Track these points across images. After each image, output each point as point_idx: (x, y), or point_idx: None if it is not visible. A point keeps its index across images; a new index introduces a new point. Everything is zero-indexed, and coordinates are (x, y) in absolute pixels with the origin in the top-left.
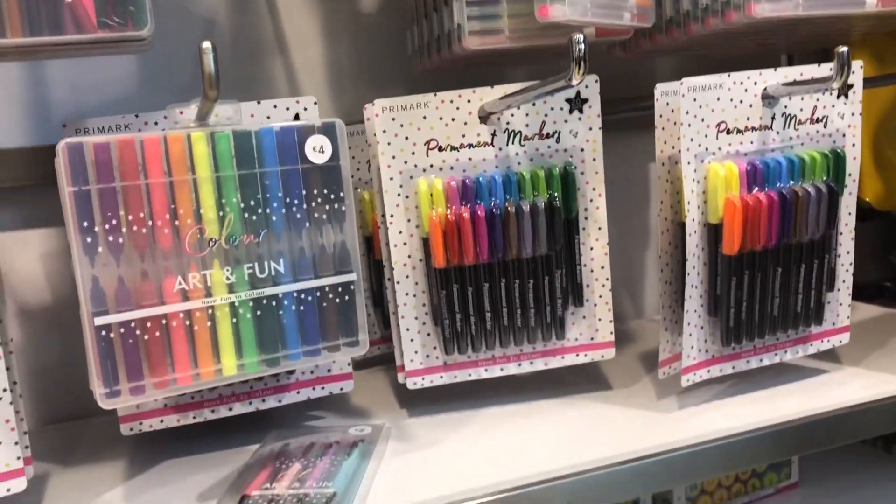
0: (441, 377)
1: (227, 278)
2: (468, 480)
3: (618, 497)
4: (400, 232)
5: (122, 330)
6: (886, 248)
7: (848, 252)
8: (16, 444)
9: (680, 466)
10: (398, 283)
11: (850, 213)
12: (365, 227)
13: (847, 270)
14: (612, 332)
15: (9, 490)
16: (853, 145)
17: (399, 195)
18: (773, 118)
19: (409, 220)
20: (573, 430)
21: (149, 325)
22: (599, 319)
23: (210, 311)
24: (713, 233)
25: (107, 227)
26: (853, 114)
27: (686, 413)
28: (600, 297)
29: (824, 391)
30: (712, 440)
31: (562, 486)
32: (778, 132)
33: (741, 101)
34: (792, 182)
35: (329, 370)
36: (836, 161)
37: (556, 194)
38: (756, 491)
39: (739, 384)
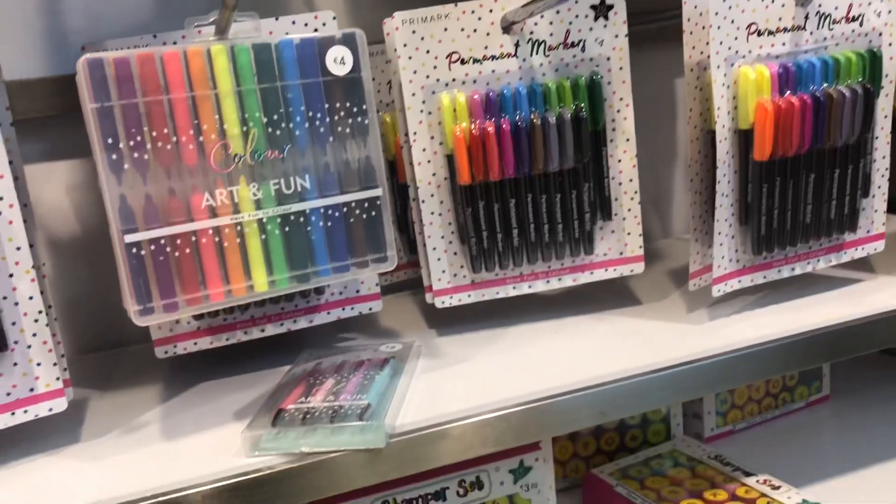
0: (469, 296)
1: (254, 194)
2: (500, 392)
3: (649, 405)
4: (424, 150)
5: (153, 247)
6: None
7: (884, 157)
8: (54, 365)
9: (710, 374)
10: (423, 202)
11: (886, 116)
12: (387, 150)
13: (883, 176)
14: (641, 247)
15: (51, 409)
16: (890, 44)
17: (422, 111)
18: (806, 18)
19: (432, 137)
20: (603, 342)
21: (178, 242)
22: (628, 234)
23: (238, 227)
24: (744, 139)
25: (131, 143)
26: (890, 11)
27: (717, 323)
28: (629, 210)
29: (857, 299)
30: (742, 348)
31: (593, 395)
32: (811, 32)
33: (773, 1)
34: (826, 84)
35: (358, 290)
36: (873, 61)
37: (582, 105)
38: (787, 405)
39: (771, 294)
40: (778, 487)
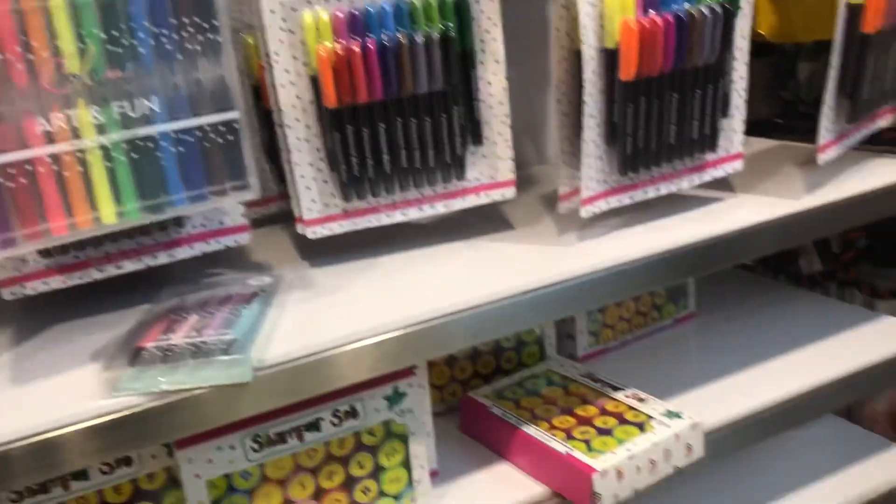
0: (341, 225)
1: (96, 118)
2: (373, 319)
3: (521, 325)
4: (287, 71)
5: None
6: (778, 85)
7: (742, 77)
8: None
9: (579, 294)
10: (289, 127)
11: (743, 38)
12: (251, 74)
13: (740, 96)
14: (512, 171)
15: None
16: None
17: (282, 30)
18: None
19: (295, 58)
20: (476, 268)
21: (12, 171)
22: (500, 158)
23: (80, 154)
24: (610, 59)
25: None
26: None
27: (586, 245)
28: (499, 134)
29: (718, 216)
30: (610, 268)
31: (466, 319)
32: None
33: None
34: (687, 3)
35: (222, 222)
36: None
37: (450, 25)
38: (655, 322)
39: (638, 214)
40: (644, 400)
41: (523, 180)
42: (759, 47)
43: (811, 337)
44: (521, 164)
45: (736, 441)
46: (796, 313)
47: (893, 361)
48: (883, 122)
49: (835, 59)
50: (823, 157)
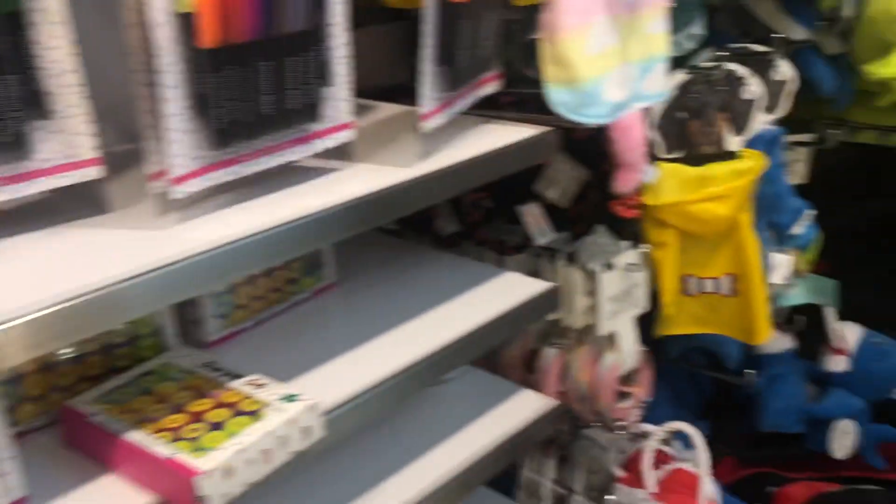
0: None
1: None
2: None
3: (101, 327)
4: None
5: None
6: (408, 51)
7: (343, 44)
8: None
9: (175, 281)
10: None
11: (341, 3)
12: None
13: (344, 64)
14: (95, 148)
15: None
16: None
17: None
18: None
19: None
20: (58, 262)
21: None
22: (78, 134)
23: None
24: (187, 24)
25: None
26: None
27: (186, 226)
28: (73, 107)
29: (330, 188)
30: (207, 251)
31: (23, 327)
32: None
33: None
34: None
35: None
36: None
37: None
38: (293, 297)
39: (248, 190)
40: (263, 385)
41: (127, 156)
42: (392, 13)
43: (445, 296)
44: (131, 136)
45: (367, 410)
46: (433, 274)
47: (516, 311)
48: (489, 88)
49: (426, 28)
50: (427, 125)
